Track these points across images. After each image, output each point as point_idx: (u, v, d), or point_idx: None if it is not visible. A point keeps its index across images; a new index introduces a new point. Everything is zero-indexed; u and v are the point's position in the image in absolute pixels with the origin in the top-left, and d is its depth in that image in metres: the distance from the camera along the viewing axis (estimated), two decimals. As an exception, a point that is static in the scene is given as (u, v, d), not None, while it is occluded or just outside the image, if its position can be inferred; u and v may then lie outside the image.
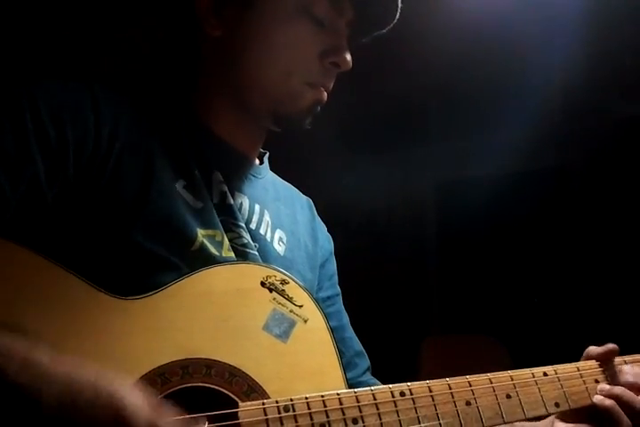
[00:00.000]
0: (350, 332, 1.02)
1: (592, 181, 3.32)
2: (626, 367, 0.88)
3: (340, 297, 1.05)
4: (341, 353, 0.93)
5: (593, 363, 0.88)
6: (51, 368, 0.55)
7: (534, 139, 3.12)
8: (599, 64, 2.79)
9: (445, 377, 0.78)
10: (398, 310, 3.58)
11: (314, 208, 1.09)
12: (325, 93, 0.90)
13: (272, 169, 1.03)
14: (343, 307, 1.04)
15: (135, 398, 0.57)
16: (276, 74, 0.86)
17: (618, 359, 0.89)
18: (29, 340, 0.58)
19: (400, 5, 0.90)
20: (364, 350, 1.02)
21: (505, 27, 2.53)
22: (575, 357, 0.92)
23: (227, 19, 0.86)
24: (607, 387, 0.84)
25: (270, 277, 0.77)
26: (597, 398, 0.83)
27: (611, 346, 0.89)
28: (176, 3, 0.92)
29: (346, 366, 0.94)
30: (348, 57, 0.88)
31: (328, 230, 1.10)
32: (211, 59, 0.89)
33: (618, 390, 0.83)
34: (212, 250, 0.79)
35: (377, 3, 0.89)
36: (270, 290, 0.77)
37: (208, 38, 0.88)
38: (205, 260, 0.77)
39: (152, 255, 0.74)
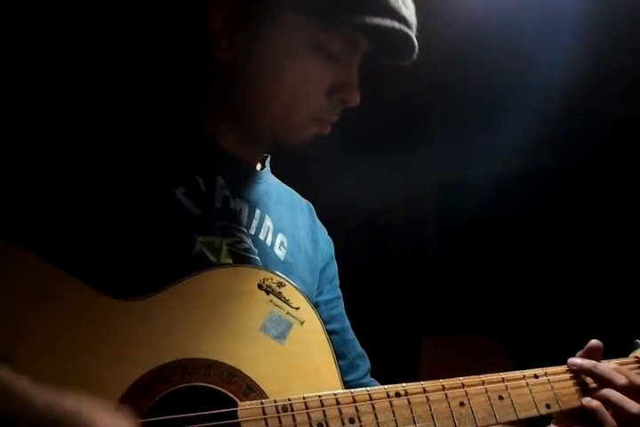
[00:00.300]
0: (352, 334, 1.03)
1: (592, 181, 3.32)
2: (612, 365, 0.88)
3: (342, 300, 1.05)
4: (343, 355, 0.94)
5: None
6: (32, 396, 0.55)
7: (534, 139, 3.12)
8: (599, 64, 2.80)
9: (445, 377, 0.79)
10: (398, 310, 3.58)
11: (314, 212, 1.09)
12: (329, 127, 0.89)
13: (272, 169, 1.03)
14: (344, 310, 1.04)
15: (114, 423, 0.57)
16: (282, 105, 0.85)
17: (605, 362, 0.89)
18: (10, 369, 0.58)
19: (417, 47, 0.86)
20: (364, 353, 1.03)
21: (505, 26, 2.53)
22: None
23: (238, 43, 0.84)
24: (578, 361, 0.86)
25: (267, 279, 0.79)
26: (585, 400, 0.84)
27: (593, 342, 0.89)
28: (188, 20, 0.90)
29: (348, 368, 0.95)
30: (357, 96, 0.87)
31: (328, 230, 1.10)
32: (218, 78, 0.88)
33: (604, 391, 0.84)
34: (210, 256, 0.79)
35: (393, 38, 0.84)
36: (267, 292, 0.78)
37: (218, 59, 0.86)
38: (203, 266, 0.77)
39: (151, 260, 0.75)
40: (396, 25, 0.81)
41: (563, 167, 3.47)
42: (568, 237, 3.33)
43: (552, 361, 0.89)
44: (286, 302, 0.78)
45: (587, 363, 0.86)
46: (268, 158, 1.02)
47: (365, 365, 1.02)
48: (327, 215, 1.13)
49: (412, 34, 0.84)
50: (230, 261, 0.82)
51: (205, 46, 0.87)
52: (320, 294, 1.01)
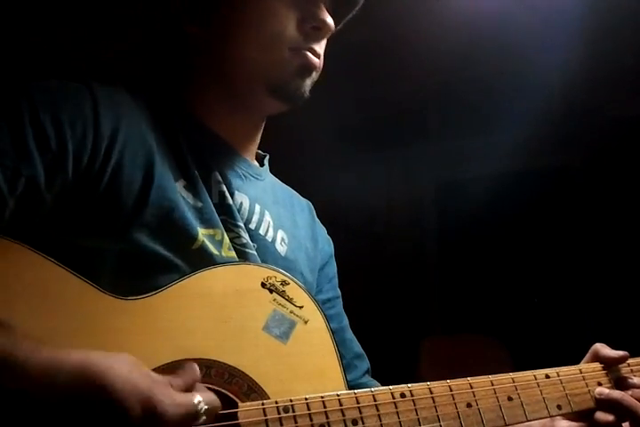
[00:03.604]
0: (350, 334, 1.02)
1: (592, 181, 3.32)
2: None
3: (340, 299, 1.05)
4: (341, 355, 0.93)
5: (597, 365, 0.88)
6: (35, 352, 0.54)
7: (534, 138, 3.12)
8: (599, 64, 2.80)
9: (445, 377, 0.77)
10: (398, 310, 3.58)
11: (314, 211, 1.08)
12: (314, 58, 0.89)
13: (272, 169, 1.03)
14: (343, 309, 1.04)
15: (124, 370, 0.55)
16: (257, 45, 0.87)
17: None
18: (12, 335, 0.57)
19: None
20: (363, 352, 1.02)
21: (504, 27, 2.53)
22: (575, 356, 0.92)
23: (200, 13, 0.87)
24: (606, 391, 0.84)
25: (271, 277, 0.77)
26: (599, 414, 0.83)
27: (622, 353, 0.88)
28: (154, 5, 0.93)
29: (345, 368, 0.93)
30: (328, 19, 0.88)
31: (327, 230, 1.09)
32: (194, 53, 0.90)
33: (617, 394, 0.83)
34: (213, 249, 0.79)
35: None
36: (271, 291, 0.77)
37: (187, 35, 0.89)
38: (206, 259, 0.77)
39: (153, 255, 0.74)
40: None
41: (563, 167, 3.47)
42: (568, 237, 3.33)
43: (552, 361, 0.88)
44: (290, 300, 0.77)
45: (616, 394, 0.84)
46: (267, 157, 1.01)
47: (363, 365, 1.01)
48: (327, 215, 1.12)
49: None
50: (233, 253, 0.81)
51: (175, 29, 0.90)
52: (319, 292, 1.00)
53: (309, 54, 0.88)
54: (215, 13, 0.88)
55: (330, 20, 0.88)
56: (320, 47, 0.91)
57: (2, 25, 2.17)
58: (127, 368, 0.56)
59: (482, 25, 2.50)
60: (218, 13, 0.88)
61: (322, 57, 0.92)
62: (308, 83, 0.90)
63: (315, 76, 0.91)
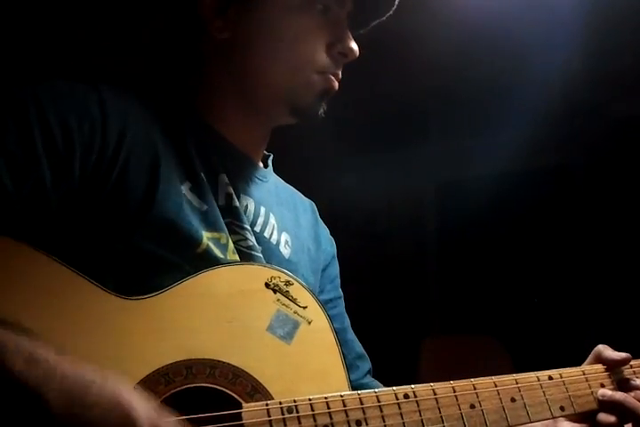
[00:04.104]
0: (352, 334, 1.03)
1: (592, 181, 3.32)
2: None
3: (342, 300, 1.05)
4: (343, 356, 0.93)
5: (599, 367, 0.88)
6: (57, 365, 0.55)
7: (534, 138, 3.11)
8: (599, 64, 2.80)
9: (445, 377, 0.77)
10: (398, 310, 3.58)
11: (317, 211, 1.09)
12: (336, 82, 0.91)
13: (274, 169, 1.03)
14: (344, 310, 1.04)
15: (140, 400, 0.57)
16: (287, 68, 0.87)
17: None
18: (35, 339, 0.58)
19: None
20: (365, 353, 1.03)
21: (505, 27, 2.53)
22: (575, 356, 0.92)
23: (232, 19, 0.86)
24: (609, 393, 0.84)
25: (274, 278, 0.77)
26: (602, 416, 0.83)
27: (624, 355, 0.88)
28: (178, 4, 0.92)
29: (347, 368, 0.94)
30: (355, 46, 0.90)
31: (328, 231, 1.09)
32: (215, 60, 0.89)
33: (620, 396, 0.83)
34: (217, 253, 0.79)
35: None
36: (274, 291, 0.77)
37: (214, 40, 0.88)
38: (210, 262, 0.77)
39: (157, 257, 0.74)
40: None
41: (563, 167, 3.47)
42: (568, 236, 3.33)
43: (552, 361, 0.88)
44: (294, 300, 0.77)
45: (618, 395, 0.84)
46: (271, 157, 1.01)
47: (365, 365, 1.01)
48: (327, 215, 1.12)
49: None
50: (237, 257, 0.81)
51: (199, 34, 0.89)
52: (321, 293, 1.00)
53: (333, 78, 0.90)
54: (248, 19, 0.87)
55: (356, 48, 0.90)
56: (340, 71, 0.92)
57: (23, 25, 2.17)
58: (144, 401, 0.59)
59: (482, 25, 2.50)
60: (251, 19, 0.87)
61: None
62: (324, 105, 0.91)
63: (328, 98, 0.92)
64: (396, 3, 0.93)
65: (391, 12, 0.95)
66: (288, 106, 0.90)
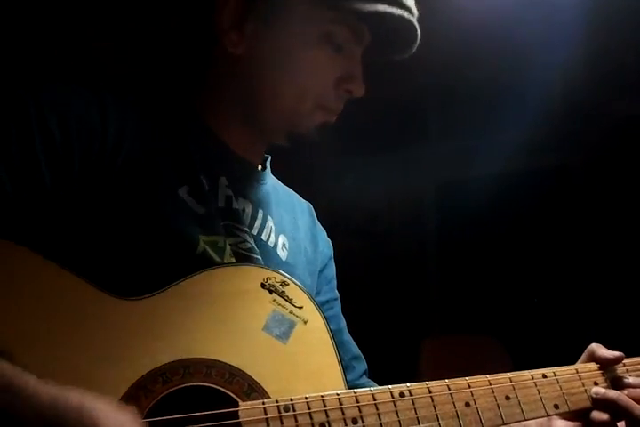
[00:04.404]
0: (348, 335, 1.03)
1: (592, 181, 3.32)
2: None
3: (339, 301, 1.05)
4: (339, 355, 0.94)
5: (593, 365, 0.88)
6: (36, 391, 0.56)
7: (534, 138, 3.11)
8: (599, 64, 2.79)
9: (445, 377, 0.78)
10: (398, 310, 3.58)
11: (314, 213, 1.09)
12: (335, 117, 0.91)
13: (272, 170, 1.03)
14: (341, 311, 1.05)
15: (117, 423, 0.58)
16: (293, 96, 0.87)
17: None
18: (15, 365, 0.58)
19: (419, 36, 0.90)
20: (361, 354, 1.03)
21: (505, 26, 2.53)
22: (575, 357, 0.92)
23: (248, 35, 0.86)
24: (602, 391, 0.84)
25: (270, 278, 0.78)
26: (595, 413, 0.84)
27: (617, 354, 0.88)
28: (194, 15, 0.91)
29: (343, 369, 0.95)
30: (362, 86, 0.90)
31: (327, 231, 1.10)
32: (223, 70, 0.89)
33: (613, 394, 0.83)
34: (214, 256, 0.79)
35: (398, 26, 0.88)
36: (270, 291, 0.77)
37: (225, 52, 0.87)
38: (207, 265, 0.77)
39: (154, 259, 0.74)
40: (401, 12, 0.85)
41: (563, 167, 3.47)
42: (568, 236, 3.33)
43: (552, 361, 0.88)
44: (289, 301, 0.78)
45: (611, 393, 0.84)
46: (269, 159, 1.02)
47: (361, 366, 1.01)
48: (327, 216, 1.13)
49: (414, 21, 0.88)
50: (234, 260, 0.82)
51: (211, 42, 0.88)
52: (318, 294, 1.01)
53: (332, 114, 0.91)
54: (263, 42, 0.86)
55: (363, 88, 0.90)
56: (342, 106, 0.92)
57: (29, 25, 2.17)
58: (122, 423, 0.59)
59: (482, 25, 2.50)
60: (267, 40, 0.86)
61: None
62: (319, 134, 0.92)
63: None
64: (415, 48, 0.92)
65: (413, 49, 0.93)
66: (286, 131, 0.90)
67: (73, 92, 0.78)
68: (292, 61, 0.86)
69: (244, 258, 0.83)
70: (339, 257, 1.10)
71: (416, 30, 0.88)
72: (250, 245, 0.85)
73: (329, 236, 1.10)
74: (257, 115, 0.90)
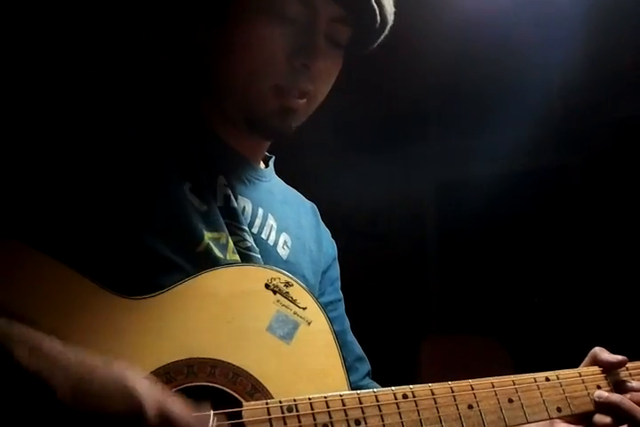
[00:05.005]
0: (351, 336, 1.03)
1: (592, 181, 3.32)
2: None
3: (342, 302, 1.05)
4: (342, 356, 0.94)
5: (596, 369, 0.88)
6: (63, 354, 0.56)
7: (534, 138, 3.12)
8: (599, 64, 2.80)
9: (445, 377, 0.78)
10: (398, 310, 3.58)
11: (318, 214, 1.09)
12: (296, 100, 0.84)
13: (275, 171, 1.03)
14: (344, 312, 1.04)
15: (146, 384, 0.58)
16: (242, 75, 0.83)
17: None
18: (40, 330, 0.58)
19: (379, 13, 0.82)
20: (364, 355, 1.03)
21: (505, 27, 2.53)
22: (575, 357, 0.92)
23: (207, 24, 0.85)
24: (605, 394, 0.84)
25: (274, 279, 0.78)
26: (598, 417, 0.83)
27: (620, 358, 0.88)
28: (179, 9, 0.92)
29: (346, 370, 0.95)
30: (319, 57, 0.82)
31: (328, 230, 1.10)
32: (205, 64, 0.89)
33: (616, 397, 0.83)
34: (217, 253, 0.79)
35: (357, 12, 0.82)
36: (274, 292, 0.77)
37: (201, 45, 0.87)
38: (210, 262, 0.77)
39: (158, 256, 0.74)
40: None
41: (563, 167, 3.48)
42: (568, 236, 3.33)
43: (552, 361, 0.89)
44: (293, 301, 0.78)
45: (614, 397, 0.84)
46: (273, 158, 1.01)
47: (364, 367, 1.01)
48: (327, 216, 1.13)
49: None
50: (237, 257, 0.82)
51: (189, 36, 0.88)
52: (321, 295, 1.00)
53: (290, 97, 0.83)
54: (221, 26, 0.84)
55: (321, 61, 0.82)
56: (312, 83, 0.84)
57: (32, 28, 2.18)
58: (149, 385, 0.59)
59: (482, 25, 2.50)
60: (223, 26, 0.84)
61: (314, 95, 0.86)
62: (292, 123, 0.86)
63: (300, 115, 0.87)
64: (379, 20, 0.83)
65: (385, 30, 0.86)
66: (243, 118, 0.86)
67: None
68: (234, 39, 0.82)
69: (243, 256, 0.83)
70: (338, 257, 1.10)
71: (373, 8, 0.81)
72: (249, 244, 0.84)
73: (328, 236, 1.10)
74: (219, 103, 0.87)
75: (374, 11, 0.82)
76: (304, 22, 0.81)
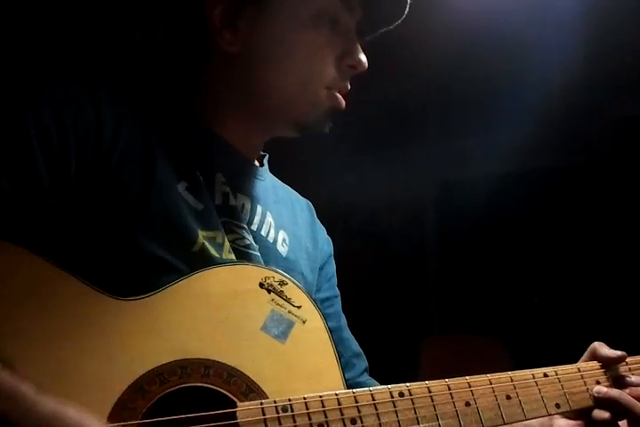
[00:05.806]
0: (348, 333, 1.03)
1: (592, 181, 3.32)
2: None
3: (339, 299, 1.05)
4: (339, 354, 0.93)
5: (595, 364, 0.88)
6: (36, 404, 0.56)
7: (534, 139, 3.11)
8: (599, 64, 2.79)
9: (445, 377, 0.78)
10: (398, 310, 3.58)
11: (313, 211, 1.09)
12: (342, 100, 0.90)
13: (272, 170, 1.03)
14: (341, 308, 1.04)
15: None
16: (296, 84, 0.86)
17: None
18: (16, 376, 0.58)
19: (410, 1, 0.90)
20: (361, 351, 1.03)
21: (504, 26, 2.52)
22: (575, 356, 0.92)
23: (242, 32, 0.85)
24: (604, 390, 0.84)
25: (269, 278, 0.78)
26: (597, 412, 0.83)
27: (619, 353, 0.88)
28: (186, 13, 0.91)
29: (344, 366, 0.94)
30: (364, 57, 0.89)
31: (328, 230, 1.10)
32: (221, 68, 0.89)
33: (615, 393, 0.83)
34: (213, 252, 0.79)
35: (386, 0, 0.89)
36: (269, 291, 0.77)
37: (221, 51, 0.87)
38: (206, 261, 0.77)
39: (152, 257, 0.74)
40: None
41: (562, 167, 3.47)
42: (568, 237, 3.33)
43: (552, 361, 0.88)
44: (288, 300, 0.77)
45: (614, 392, 0.84)
46: (267, 157, 1.01)
47: (361, 364, 1.01)
48: (327, 216, 1.12)
49: None
50: (233, 256, 0.82)
51: (205, 40, 0.88)
52: (318, 291, 1.01)
53: (340, 96, 0.89)
54: (258, 32, 0.86)
55: (365, 59, 0.89)
56: (348, 85, 0.91)
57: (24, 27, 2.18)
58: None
59: (481, 25, 2.50)
60: (261, 32, 0.86)
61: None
62: (330, 121, 0.91)
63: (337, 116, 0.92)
64: (406, 12, 0.92)
65: (399, 21, 0.94)
66: (292, 121, 0.90)
67: (69, 91, 0.78)
68: (289, 49, 0.85)
69: (242, 255, 0.83)
70: (338, 257, 1.10)
71: None
72: (248, 242, 0.84)
73: (329, 235, 1.10)
74: (261, 108, 0.89)
75: (403, 10, 0.91)
76: (343, 27, 0.87)
